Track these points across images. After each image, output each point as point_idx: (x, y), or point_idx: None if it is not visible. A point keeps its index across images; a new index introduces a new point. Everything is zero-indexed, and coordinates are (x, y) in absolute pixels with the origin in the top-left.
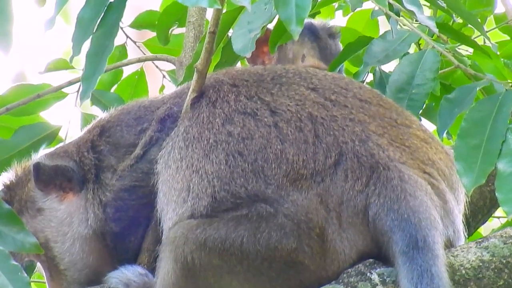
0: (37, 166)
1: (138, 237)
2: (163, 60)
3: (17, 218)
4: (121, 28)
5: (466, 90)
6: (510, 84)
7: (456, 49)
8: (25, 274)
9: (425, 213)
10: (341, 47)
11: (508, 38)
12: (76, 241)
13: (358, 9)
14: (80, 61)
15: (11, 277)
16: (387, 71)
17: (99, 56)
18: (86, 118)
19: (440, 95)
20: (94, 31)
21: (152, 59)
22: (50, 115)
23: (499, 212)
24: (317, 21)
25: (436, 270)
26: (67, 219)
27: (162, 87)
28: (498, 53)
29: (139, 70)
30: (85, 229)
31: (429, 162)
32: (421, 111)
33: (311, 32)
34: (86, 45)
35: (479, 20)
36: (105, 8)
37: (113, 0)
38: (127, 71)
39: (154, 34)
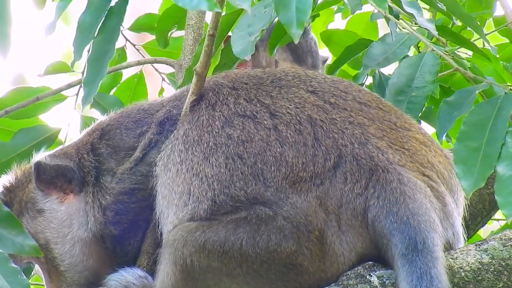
0: (38, 165)
1: (138, 239)
2: (162, 63)
3: (16, 221)
4: (120, 31)
5: (465, 93)
6: (509, 87)
7: (456, 52)
8: (24, 277)
9: (425, 216)
10: (314, 39)
11: (508, 41)
12: (76, 243)
13: (357, 11)
14: (80, 64)
15: (11, 280)
16: (386, 74)
17: (100, 61)
18: (86, 121)
19: (439, 98)
20: (95, 35)
21: (151, 62)
22: (50, 118)
23: (498, 214)
24: None
25: (436, 273)
26: (67, 221)
27: (162, 90)
28: (498, 56)
29: (139, 73)
30: (85, 232)
31: (428, 165)
32: (420, 114)
33: None
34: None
35: (478, 23)
36: (106, 12)
37: (114, 4)
38: (127, 74)
39: (153, 37)
